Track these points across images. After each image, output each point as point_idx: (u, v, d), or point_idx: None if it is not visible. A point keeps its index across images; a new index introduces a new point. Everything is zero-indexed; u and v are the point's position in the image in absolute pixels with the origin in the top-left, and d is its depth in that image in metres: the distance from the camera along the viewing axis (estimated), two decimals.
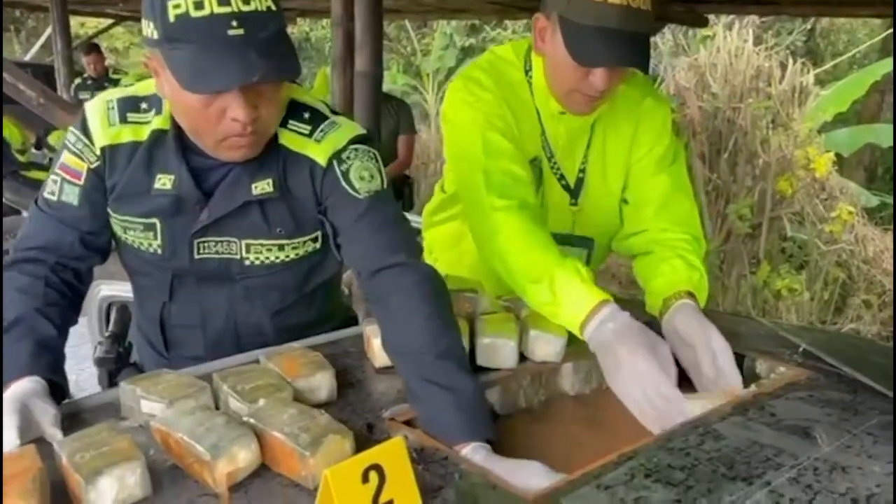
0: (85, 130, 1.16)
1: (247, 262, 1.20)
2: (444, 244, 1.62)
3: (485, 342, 1.17)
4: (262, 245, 1.19)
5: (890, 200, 5.23)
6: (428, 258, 1.41)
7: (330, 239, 1.20)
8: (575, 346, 1.22)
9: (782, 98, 4.57)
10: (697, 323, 1.19)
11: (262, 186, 1.14)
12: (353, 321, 1.45)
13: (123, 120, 1.15)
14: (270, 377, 1.03)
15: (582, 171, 1.44)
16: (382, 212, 1.17)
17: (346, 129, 1.19)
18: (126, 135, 1.15)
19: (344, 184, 1.16)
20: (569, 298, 1.18)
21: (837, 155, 4.82)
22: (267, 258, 1.21)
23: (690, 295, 1.26)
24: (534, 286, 1.22)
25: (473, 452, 0.93)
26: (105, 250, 1.22)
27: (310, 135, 1.16)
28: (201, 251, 1.19)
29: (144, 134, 1.15)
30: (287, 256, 1.22)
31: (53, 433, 0.92)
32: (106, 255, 1.23)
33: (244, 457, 0.84)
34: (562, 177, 1.44)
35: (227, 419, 0.88)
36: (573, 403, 1.21)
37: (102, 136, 1.14)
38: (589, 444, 0.94)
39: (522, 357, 1.20)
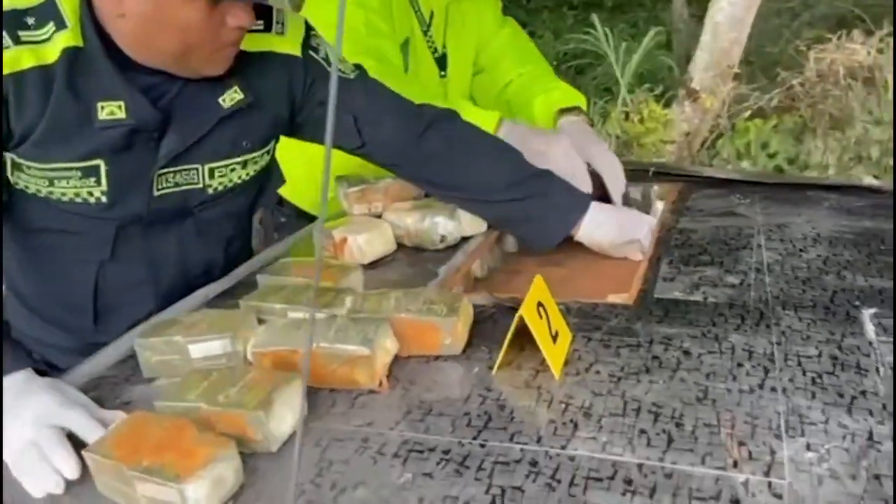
0: None
1: (209, 190, 1.06)
2: None
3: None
4: (225, 166, 1.06)
5: None
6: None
7: (350, 130, 1.12)
8: None
9: None
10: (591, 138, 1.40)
11: (231, 96, 1.01)
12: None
13: (17, 41, 0.89)
14: (310, 287, 0.96)
15: (444, 46, 1.60)
16: (380, 84, 1.17)
17: (295, 16, 1.10)
18: (26, 59, 0.89)
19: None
20: (473, 112, 1.30)
21: None
22: (230, 180, 1.08)
23: (580, 110, 1.48)
24: None
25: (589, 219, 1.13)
26: None
27: (268, 29, 1.05)
28: (161, 186, 1.02)
29: (50, 56, 0.91)
30: (248, 175, 1.10)
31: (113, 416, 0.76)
32: None
33: (391, 345, 0.82)
34: (435, 50, 1.58)
35: (345, 319, 0.84)
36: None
37: None
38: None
39: None
